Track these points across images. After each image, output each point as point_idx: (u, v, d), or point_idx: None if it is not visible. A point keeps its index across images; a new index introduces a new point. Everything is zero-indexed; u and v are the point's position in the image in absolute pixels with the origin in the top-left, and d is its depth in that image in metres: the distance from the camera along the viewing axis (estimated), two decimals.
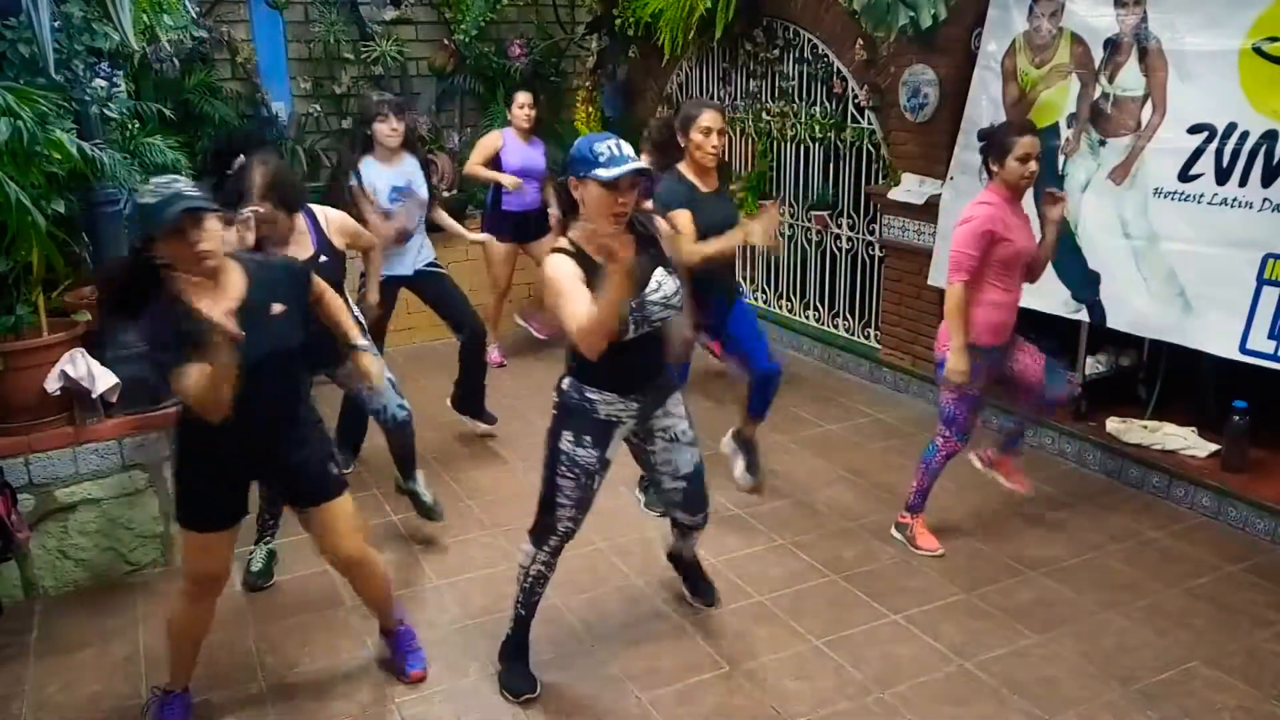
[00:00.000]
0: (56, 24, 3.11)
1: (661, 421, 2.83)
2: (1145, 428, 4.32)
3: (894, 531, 3.75)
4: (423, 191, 4.43)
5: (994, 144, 3.40)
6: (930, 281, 4.87)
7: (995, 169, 3.39)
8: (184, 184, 2.35)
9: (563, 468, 2.71)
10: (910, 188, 4.99)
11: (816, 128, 5.69)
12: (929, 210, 4.85)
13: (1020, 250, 3.40)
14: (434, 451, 4.60)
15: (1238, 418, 3.94)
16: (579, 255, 2.53)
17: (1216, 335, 3.74)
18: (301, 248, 3.31)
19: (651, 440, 2.85)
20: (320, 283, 2.82)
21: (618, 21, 6.51)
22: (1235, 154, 3.62)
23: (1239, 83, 3.59)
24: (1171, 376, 4.49)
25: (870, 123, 5.31)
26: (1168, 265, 3.88)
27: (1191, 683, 2.90)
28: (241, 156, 3.30)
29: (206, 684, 2.96)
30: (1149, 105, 3.92)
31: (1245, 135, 3.58)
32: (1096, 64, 4.11)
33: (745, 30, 5.96)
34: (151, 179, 2.39)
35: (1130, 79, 3.97)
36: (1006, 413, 4.13)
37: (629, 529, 3.88)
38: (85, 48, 3.31)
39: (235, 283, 2.47)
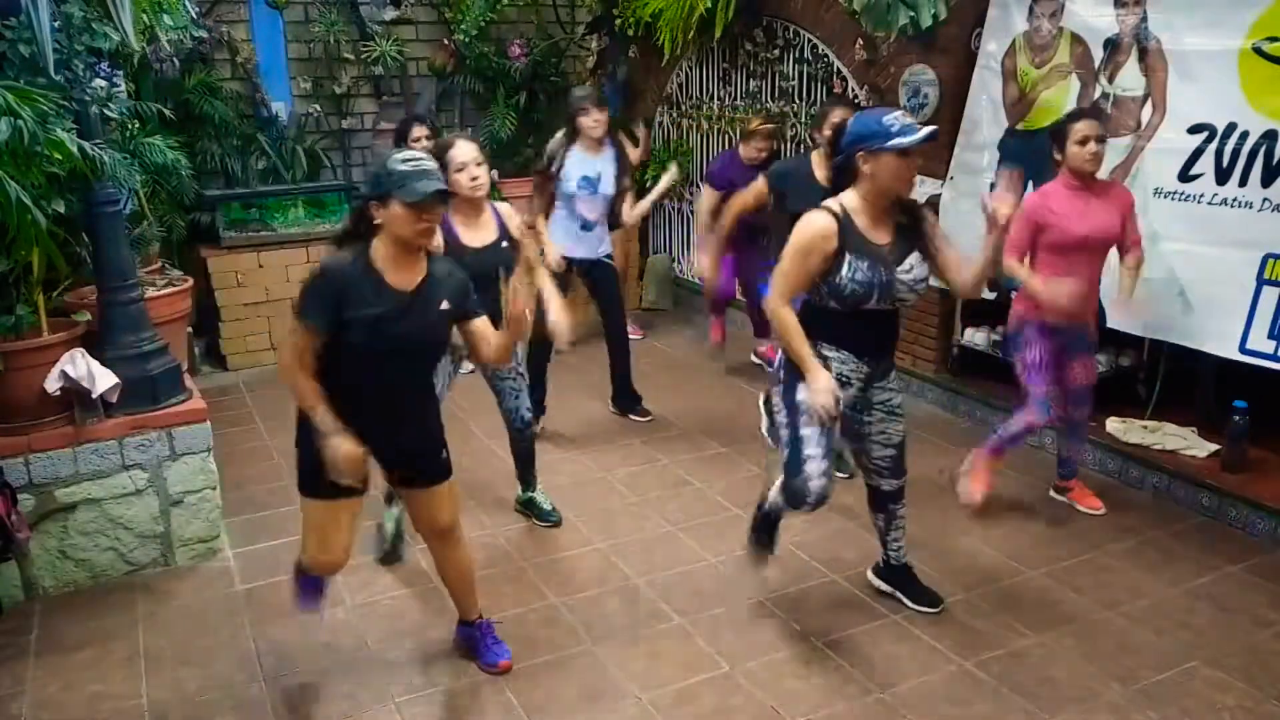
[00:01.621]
0: (56, 24, 3.10)
1: (881, 395, 3.00)
2: (1145, 428, 4.32)
3: (963, 464, 3.87)
4: (608, 187, 4.65)
5: (1057, 135, 3.52)
6: (930, 281, 4.86)
7: (1059, 158, 3.51)
8: (432, 164, 2.52)
9: (804, 417, 2.83)
10: None
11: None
12: (929, 210, 4.84)
13: (1068, 237, 3.47)
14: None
15: (1238, 418, 3.94)
16: (841, 218, 2.75)
17: (1216, 335, 3.74)
18: (488, 231, 3.50)
19: (870, 411, 3.01)
20: (485, 323, 2.80)
21: (618, 21, 6.51)
22: (1235, 154, 3.62)
23: (1239, 83, 3.60)
24: (1171, 376, 4.49)
25: None
26: (1168, 265, 3.88)
27: (1191, 683, 2.90)
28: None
29: (207, 684, 2.97)
30: (1149, 105, 3.92)
31: (1245, 135, 3.58)
32: (1096, 64, 4.11)
33: (745, 30, 5.96)
34: (402, 153, 2.53)
35: (1130, 79, 3.98)
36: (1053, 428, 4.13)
37: (629, 529, 3.88)
38: (85, 48, 3.30)
39: (419, 270, 2.58)
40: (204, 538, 3.67)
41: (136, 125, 4.19)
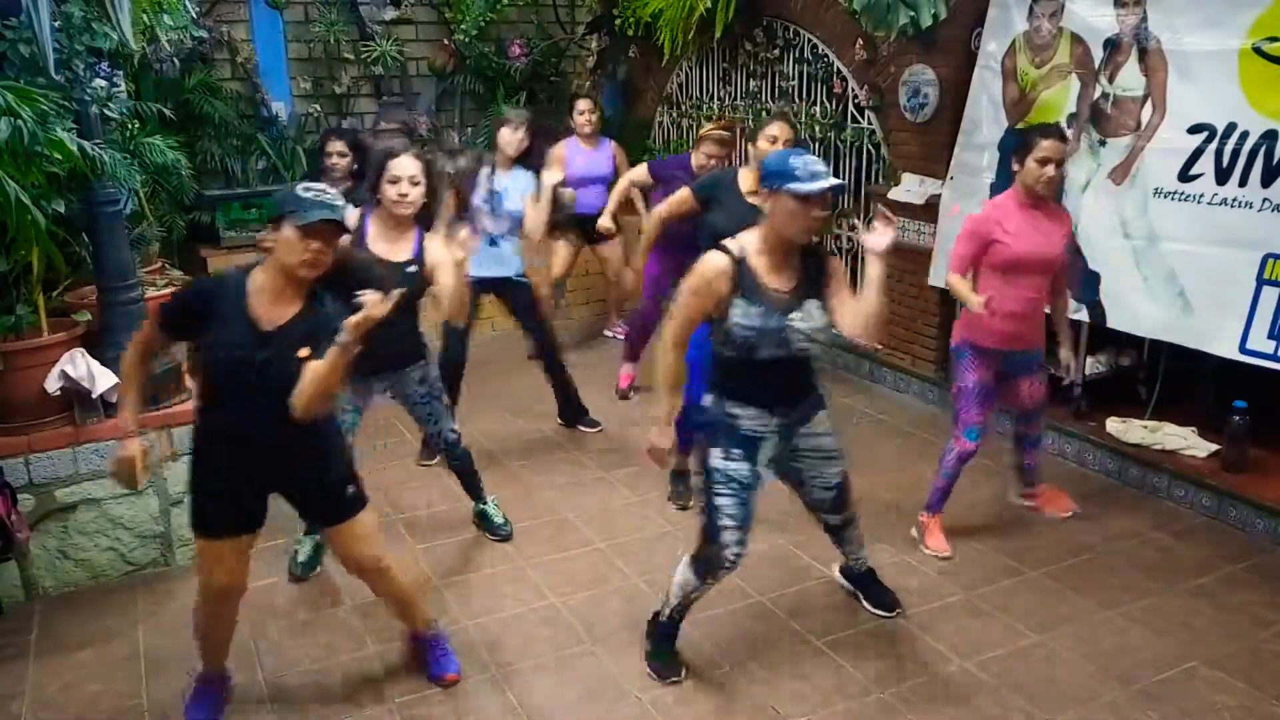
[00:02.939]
0: (56, 24, 3.10)
1: (809, 441, 2.86)
2: (1145, 428, 4.32)
3: (913, 531, 3.75)
4: (515, 204, 4.52)
5: (1022, 143, 3.40)
6: (930, 281, 4.87)
7: (1017, 168, 3.38)
8: (337, 199, 2.40)
9: (718, 486, 2.73)
10: (910, 188, 4.99)
11: (816, 128, 5.69)
12: (929, 210, 4.85)
13: (1017, 257, 3.33)
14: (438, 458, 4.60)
15: (1238, 418, 3.94)
16: (738, 259, 2.61)
17: (1216, 335, 3.74)
18: (402, 251, 3.32)
19: (800, 459, 2.89)
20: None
21: (618, 21, 6.51)
22: (1235, 154, 3.62)
23: (1239, 83, 3.59)
24: (1171, 376, 4.49)
25: (870, 123, 5.31)
26: (1168, 265, 3.88)
27: (1191, 683, 2.90)
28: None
29: None
30: (1149, 105, 3.92)
31: (1245, 135, 3.58)
32: (1096, 64, 4.11)
33: (745, 30, 5.96)
34: (308, 184, 2.44)
35: (1130, 79, 3.97)
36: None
37: (629, 529, 3.88)
38: (85, 48, 3.30)
39: (294, 307, 2.45)
40: None
41: (136, 125, 4.18)
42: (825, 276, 2.71)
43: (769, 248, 2.64)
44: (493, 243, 4.51)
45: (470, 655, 3.07)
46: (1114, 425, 4.38)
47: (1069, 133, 4.21)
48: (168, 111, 4.75)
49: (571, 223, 5.61)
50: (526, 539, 3.83)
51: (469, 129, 6.81)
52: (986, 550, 3.68)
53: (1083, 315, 4.26)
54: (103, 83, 3.42)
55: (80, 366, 3.30)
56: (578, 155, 5.59)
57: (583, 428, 4.89)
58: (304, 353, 2.38)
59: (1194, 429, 4.26)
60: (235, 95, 6.06)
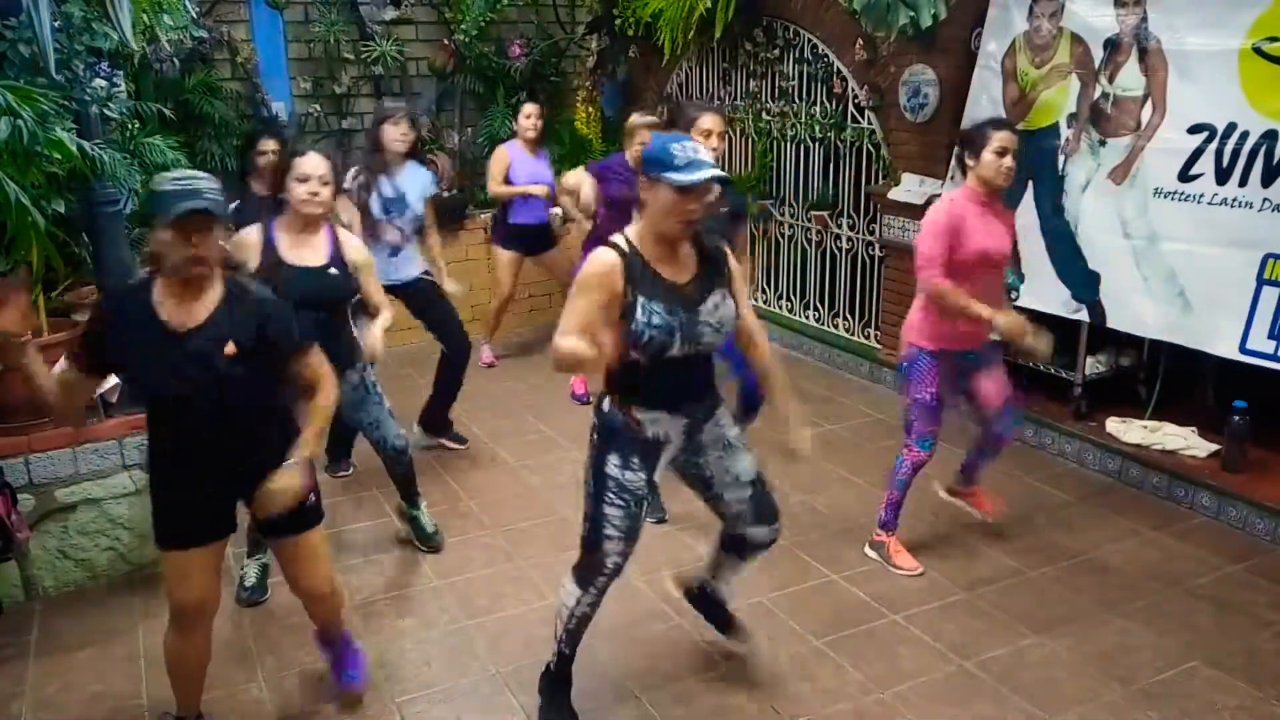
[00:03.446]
0: (56, 24, 3.10)
1: (711, 433, 2.63)
2: (1145, 428, 4.32)
3: (868, 550, 3.63)
4: (417, 206, 4.40)
5: (970, 140, 3.30)
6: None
7: (971, 164, 3.28)
8: (205, 183, 2.25)
9: (610, 495, 2.53)
10: (910, 188, 4.99)
11: (816, 128, 5.69)
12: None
13: (980, 253, 3.25)
14: (433, 451, 4.61)
15: (1238, 418, 3.94)
16: (628, 255, 2.41)
17: (1216, 335, 3.74)
18: (315, 253, 3.21)
19: (703, 453, 2.64)
20: (315, 356, 2.53)
21: (618, 21, 6.51)
22: (1235, 154, 3.62)
23: (1239, 83, 3.60)
24: (1171, 376, 4.49)
25: (870, 123, 5.31)
26: (1168, 265, 3.89)
27: (1191, 683, 2.90)
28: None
29: (207, 684, 2.96)
30: (1149, 105, 3.92)
31: (1245, 135, 3.58)
32: (1096, 64, 4.11)
33: (745, 30, 5.96)
34: (175, 172, 2.31)
35: (1130, 79, 3.97)
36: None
37: None
38: (85, 48, 3.30)
39: (210, 301, 2.32)
40: None
41: (136, 125, 4.18)
42: (728, 272, 2.55)
43: (650, 242, 2.43)
44: (393, 252, 4.34)
45: (470, 655, 3.07)
46: (1114, 425, 4.39)
47: (1068, 132, 4.22)
48: (168, 111, 4.74)
49: (513, 233, 5.55)
50: (526, 539, 3.82)
51: (469, 129, 6.80)
52: (986, 550, 3.67)
53: (1083, 315, 4.26)
54: (103, 83, 3.43)
55: None
56: (524, 162, 5.44)
57: (448, 442, 4.69)
58: (229, 350, 2.30)
59: (1194, 429, 4.26)
60: (235, 95, 6.06)
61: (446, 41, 6.58)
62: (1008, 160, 3.21)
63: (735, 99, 6.33)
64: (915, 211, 4.93)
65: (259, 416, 2.45)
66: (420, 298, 4.46)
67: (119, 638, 3.21)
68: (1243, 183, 3.60)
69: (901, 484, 3.53)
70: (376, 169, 4.36)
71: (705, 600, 3.01)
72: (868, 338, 5.67)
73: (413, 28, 6.61)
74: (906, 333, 3.45)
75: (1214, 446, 4.11)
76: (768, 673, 2.96)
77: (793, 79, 5.84)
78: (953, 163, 4.70)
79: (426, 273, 4.50)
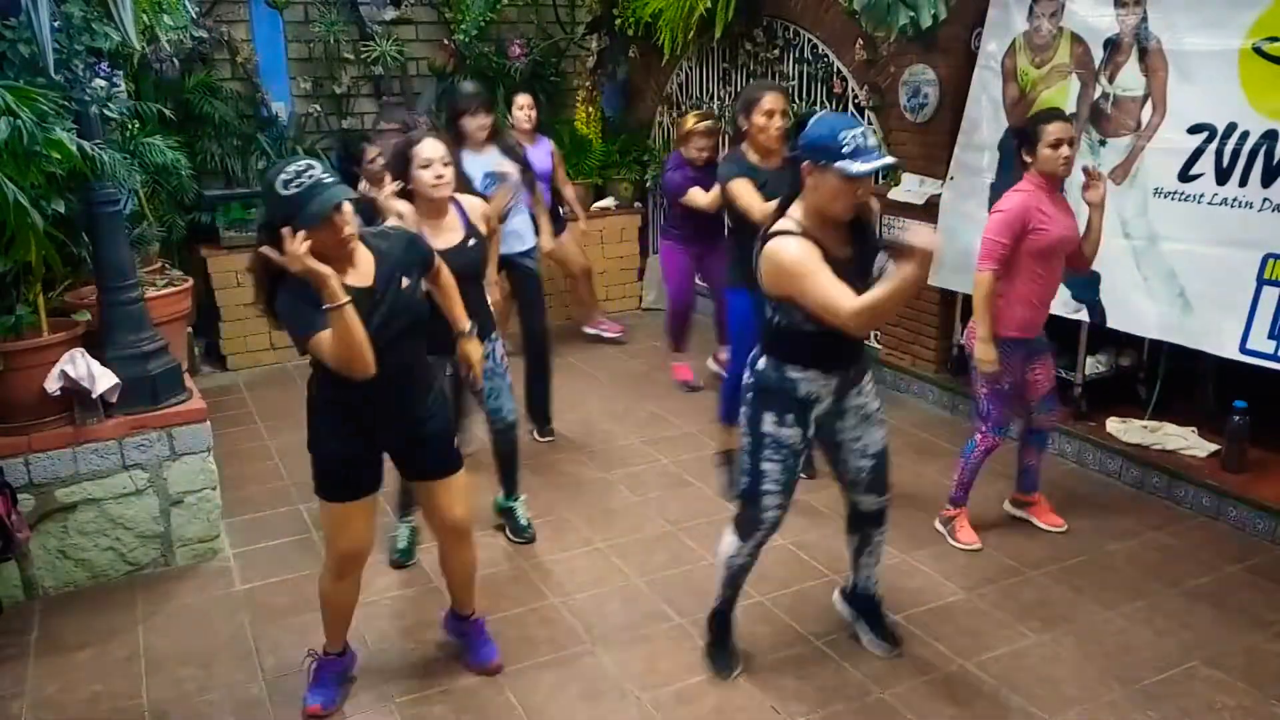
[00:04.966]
0: (56, 24, 3.10)
1: (855, 400, 2.77)
2: (1145, 428, 4.32)
3: (937, 524, 3.77)
4: (515, 176, 4.53)
5: (1026, 135, 3.40)
6: (930, 281, 4.87)
7: (1029, 159, 3.39)
8: (319, 169, 2.34)
9: (768, 451, 2.68)
10: (910, 188, 4.99)
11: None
12: (929, 210, 4.85)
13: (1056, 239, 3.38)
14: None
15: (1238, 418, 3.94)
16: (805, 235, 2.50)
17: (1216, 335, 3.74)
18: (454, 232, 3.35)
19: (844, 418, 2.78)
20: (439, 261, 2.85)
21: (618, 21, 6.51)
22: (1235, 154, 3.62)
23: (1239, 83, 3.59)
24: (1171, 376, 4.49)
25: (870, 123, 5.31)
26: (1168, 265, 3.88)
27: (1191, 683, 2.90)
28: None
29: (207, 684, 2.97)
30: (1149, 105, 3.92)
31: (1245, 135, 3.58)
32: (1096, 64, 4.11)
33: (745, 30, 5.96)
34: (286, 171, 2.33)
35: (1130, 79, 3.97)
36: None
37: (629, 529, 3.88)
38: (85, 48, 3.30)
39: (365, 259, 2.51)
40: (204, 538, 3.67)
41: (136, 125, 4.18)
42: (876, 240, 2.69)
43: (816, 222, 2.53)
44: (501, 218, 4.47)
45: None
46: (1114, 425, 4.38)
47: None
48: (168, 111, 4.75)
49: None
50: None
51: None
52: (986, 550, 3.67)
53: (1083, 315, 4.26)
54: (103, 83, 3.42)
55: (80, 366, 3.30)
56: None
57: (537, 436, 4.76)
58: (405, 283, 2.55)
59: (1194, 429, 4.26)
60: (235, 95, 6.06)
61: (446, 41, 6.58)
62: (1064, 150, 3.32)
63: (735, 99, 6.33)
64: (915, 211, 4.94)
65: (420, 368, 2.69)
66: (517, 274, 4.65)
67: (119, 638, 3.21)
68: (1243, 183, 3.60)
69: (974, 468, 3.67)
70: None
71: (860, 601, 3.12)
72: (867, 338, 5.66)
73: (413, 28, 6.61)
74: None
75: (1214, 446, 4.11)
76: (768, 672, 2.96)
77: (793, 79, 5.84)
78: (953, 163, 4.72)
79: (527, 253, 4.67)
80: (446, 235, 3.30)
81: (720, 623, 3.01)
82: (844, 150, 2.39)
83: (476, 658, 2.99)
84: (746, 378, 2.75)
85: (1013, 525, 3.85)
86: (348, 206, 2.40)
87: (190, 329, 5.05)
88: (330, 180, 2.34)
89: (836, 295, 2.41)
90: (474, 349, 3.12)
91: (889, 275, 2.45)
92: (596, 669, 3.00)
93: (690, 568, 3.56)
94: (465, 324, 3.04)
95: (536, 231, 4.85)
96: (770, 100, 3.63)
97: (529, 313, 4.71)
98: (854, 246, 2.60)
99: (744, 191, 3.58)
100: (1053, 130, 3.32)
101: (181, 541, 3.62)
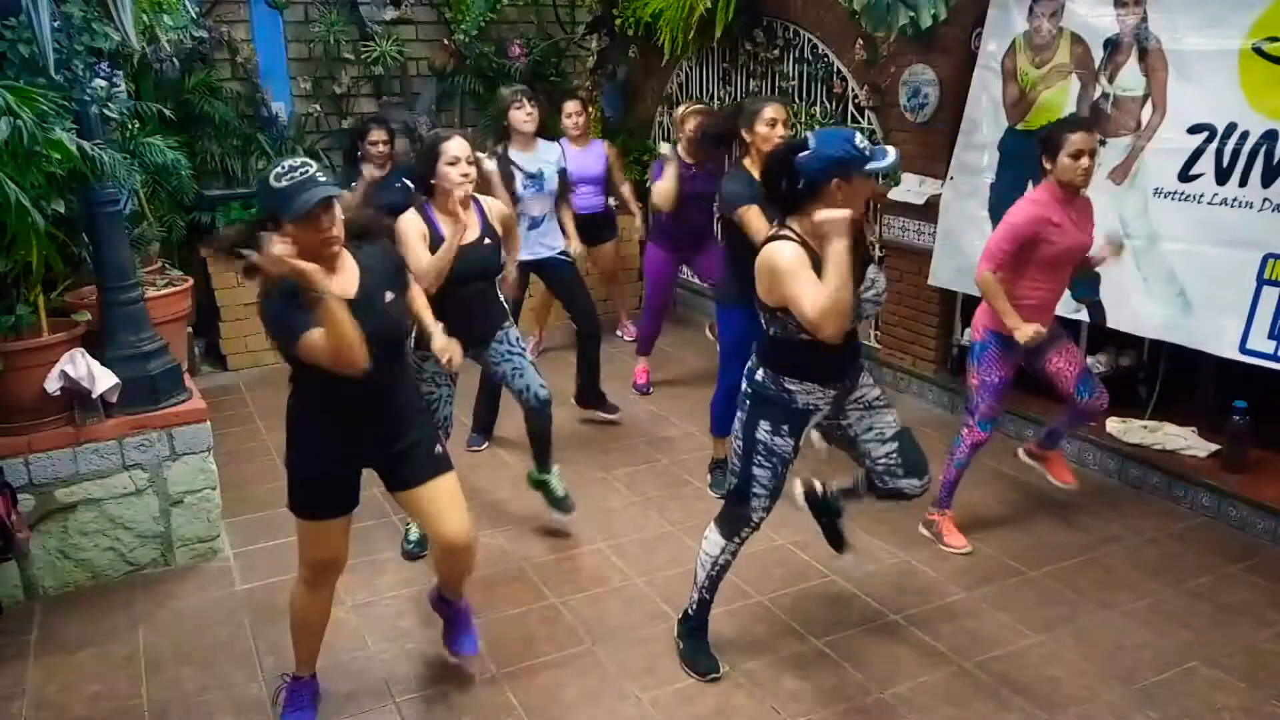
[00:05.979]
0: (56, 24, 3.10)
1: (855, 393, 2.83)
2: (1145, 428, 4.32)
3: (921, 528, 3.74)
4: (553, 183, 4.66)
5: (1048, 142, 3.37)
6: (930, 281, 4.87)
7: (1049, 166, 3.36)
8: (315, 169, 2.34)
9: (759, 458, 2.75)
10: (910, 188, 4.99)
11: (817, 128, 5.68)
12: (929, 210, 4.85)
13: (1064, 250, 3.36)
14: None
15: (1238, 418, 3.94)
16: (802, 244, 2.56)
17: (1216, 335, 3.74)
18: (471, 229, 3.40)
19: (846, 415, 2.84)
20: (411, 278, 2.88)
21: (618, 21, 6.51)
22: (1235, 154, 3.62)
23: (1239, 83, 3.59)
24: (1171, 376, 4.49)
25: (870, 123, 5.31)
26: (1168, 265, 3.88)
27: (1191, 683, 2.90)
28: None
29: (207, 684, 2.97)
30: (1149, 105, 3.92)
31: (1245, 135, 3.58)
32: (1096, 64, 4.11)
33: (745, 30, 5.96)
34: (281, 166, 2.34)
35: (1130, 79, 3.97)
36: (1038, 423, 4.10)
37: (629, 529, 3.88)
38: (85, 48, 3.30)
39: (350, 268, 2.49)
40: (204, 538, 3.67)
41: (136, 125, 4.18)
42: (868, 244, 2.72)
43: (816, 239, 2.54)
44: (534, 224, 4.63)
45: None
46: (1114, 425, 4.38)
47: None
48: (168, 111, 4.75)
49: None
50: (527, 538, 3.83)
51: (470, 129, 6.80)
52: (986, 550, 3.67)
53: (1083, 315, 4.26)
54: (103, 83, 3.43)
55: (80, 366, 3.30)
56: (570, 157, 5.44)
57: (602, 414, 4.96)
58: (389, 297, 2.52)
59: (1194, 429, 4.26)
60: (235, 95, 6.06)
61: (446, 41, 6.59)
62: (1084, 161, 3.29)
63: (735, 99, 6.33)
64: (915, 211, 4.94)
65: (401, 383, 2.64)
66: (557, 274, 4.80)
67: (119, 638, 3.21)
68: (1243, 183, 3.60)
69: (959, 464, 3.65)
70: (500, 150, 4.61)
71: (825, 509, 3.15)
72: (867, 338, 5.66)
73: (413, 28, 6.61)
74: (980, 318, 3.56)
75: (1214, 446, 4.11)
76: (768, 672, 2.97)
77: (793, 79, 5.84)
78: (953, 163, 4.72)
79: (564, 252, 4.80)
80: (465, 232, 3.38)
81: (698, 624, 3.02)
82: (865, 153, 2.50)
83: (454, 645, 2.97)
84: (745, 386, 2.80)
85: (1013, 525, 3.85)
86: (337, 208, 2.38)
87: (190, 329, 5.05)
88: (324, 180, 2.33)
89: (809, 297, 2.48)
90: (444, 345, 3.14)
91: (868, 283, 2.62)
92: (596, 669, 3.00)
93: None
94: (433, 327, 3.13)
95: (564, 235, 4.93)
96: (772, 110, 3.63)
97: (572, 299, 4.83)
98: (850, 257, 2.58)
99: (754, 218, 3.56)
100: (1075, 140, 3.27)
101: (181, 541, 3.62)
